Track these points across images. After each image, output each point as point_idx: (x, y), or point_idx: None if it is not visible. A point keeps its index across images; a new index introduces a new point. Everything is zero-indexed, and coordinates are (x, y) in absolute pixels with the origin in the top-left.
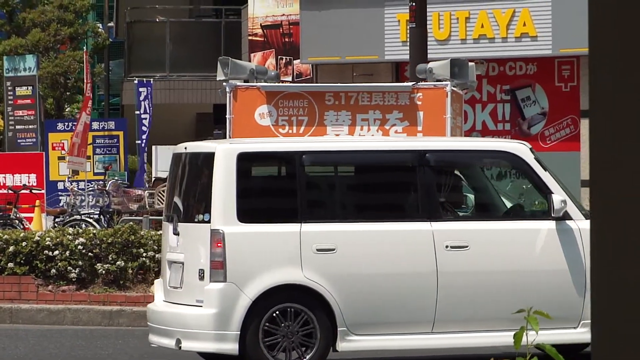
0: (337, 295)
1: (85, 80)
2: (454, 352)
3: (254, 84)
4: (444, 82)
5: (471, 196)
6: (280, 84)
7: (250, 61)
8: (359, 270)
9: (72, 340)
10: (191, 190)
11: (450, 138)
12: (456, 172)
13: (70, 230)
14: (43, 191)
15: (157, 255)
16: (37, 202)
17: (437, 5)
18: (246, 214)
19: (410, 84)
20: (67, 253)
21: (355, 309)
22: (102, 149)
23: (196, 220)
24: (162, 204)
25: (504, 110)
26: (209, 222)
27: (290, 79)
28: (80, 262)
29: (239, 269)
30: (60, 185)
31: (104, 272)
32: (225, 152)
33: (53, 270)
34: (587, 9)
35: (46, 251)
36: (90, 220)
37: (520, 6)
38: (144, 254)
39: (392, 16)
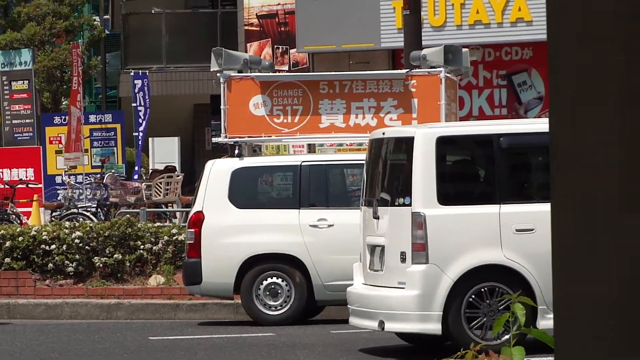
0: (536, 275)
1: (72, 74)
2: None
3: (248, 74)
4: (437, 69)
5: None
6: (274, 74)
7: (246, 51)
8: None
9: (69, 334)
10: (390, 175)
11: None
12: None
13: (67, 224)
14: (40, 185)
15: (154, 248)
16: (35, 197)
17: None
18: (446, 196)
19: (403, 71)
20: (64, 247)
21: None
22: (100, 141)
23: (396, 203)
24: (159, 195)
25: (501, 96)
26: (409, 205)
27: (287, 68)
28: (77, 256)
29: (440, 251)
30: (58, 179)
31: (101, 265)
32: (424, 136)
33: (50, 265)
34: None
35: (43, 245)
36: (88, 214)
37: None
38: (142, 247)
39: (387, 3)
